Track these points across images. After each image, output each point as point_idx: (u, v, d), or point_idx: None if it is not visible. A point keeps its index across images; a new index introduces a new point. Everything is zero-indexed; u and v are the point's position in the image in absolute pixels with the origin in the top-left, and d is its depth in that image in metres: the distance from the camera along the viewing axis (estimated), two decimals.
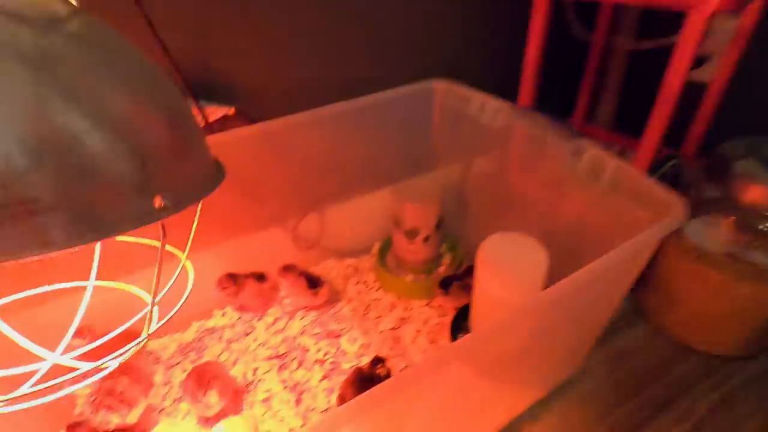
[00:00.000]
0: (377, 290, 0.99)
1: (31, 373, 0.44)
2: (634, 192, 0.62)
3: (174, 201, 0.32)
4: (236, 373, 0.82)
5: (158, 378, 0.83)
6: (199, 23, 1.01)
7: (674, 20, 0.89)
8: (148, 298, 0.50)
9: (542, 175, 0.81)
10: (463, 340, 0.41)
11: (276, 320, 0.91)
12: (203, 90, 0.96)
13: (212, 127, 0.86)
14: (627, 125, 1.23)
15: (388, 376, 0.73)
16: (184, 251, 0.50)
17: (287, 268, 0.91)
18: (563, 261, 0.69)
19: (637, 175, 0.62)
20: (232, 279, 0.89)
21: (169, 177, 0.33)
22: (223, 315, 0.94)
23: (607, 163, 0.65)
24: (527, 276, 0.64)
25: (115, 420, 0.76)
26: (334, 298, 0.96)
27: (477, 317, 0.77)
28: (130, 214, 0.30)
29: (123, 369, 0.79)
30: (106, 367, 0.41)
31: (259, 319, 0.92)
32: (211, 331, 0.91)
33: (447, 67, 1.08)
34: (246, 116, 0.92)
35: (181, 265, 0.49)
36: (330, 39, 1.15)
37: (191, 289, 0.49)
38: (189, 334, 0.91)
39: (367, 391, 0.36)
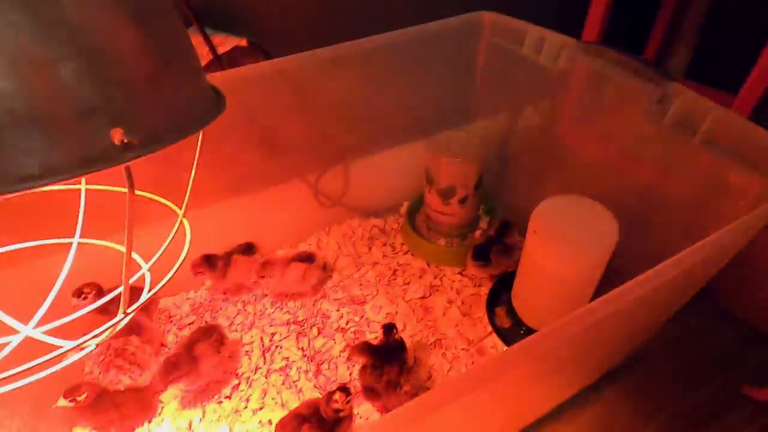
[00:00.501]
0: (405, 254, 0.90)
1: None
2: (743, 151, 0.49)
3: (143, 137, 0.22)
4: (252, 337, 0.76)
5: (170, 338, 0.77)
6: None
7: None
8: (140, 260, 0.42)
9: (610, 127, 0.68)
10: (532, 341, 0.32)
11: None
12: (211, 16, 0.83)
13: (221, 60, 0.75)
14: (703, 73, 1.05)
15: (402, 343, 0.64)
16: (182, 207, 0.41)
17: (264, 265, 0.77)
18: (628, 233, 0.57)
19: (751, 129, 0.48)
20: (208, 262, 0.76)
21: (136, 101, 0.23)
22: None
23: (706, 113, 0.52)
24: (592, 249, 0.53)
25: (126, 381, 0.71)
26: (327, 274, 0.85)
27: (524, 292, 0.68)
28: (70, 153, 0.20)
29: (132, 328, 0.74)
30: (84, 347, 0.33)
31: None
32: (223, 289, 0.84)
33: None
34: (260, 50, 0.80)
35: (177, 224, 0.41)
36: None
37: (190, 251, 0.41)
38: (203, 293, 0.85)
39: (417, 401, 0.28)
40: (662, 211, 0.61)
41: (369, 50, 0.76)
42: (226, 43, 0.77)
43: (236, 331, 0.77)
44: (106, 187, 0.43)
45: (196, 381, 0.65)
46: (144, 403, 0.66)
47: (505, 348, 0.71)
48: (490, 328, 0.74)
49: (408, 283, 0.83)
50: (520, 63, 0.77)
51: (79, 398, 0.57)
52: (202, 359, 0.65)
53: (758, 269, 0.70)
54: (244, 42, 0.79)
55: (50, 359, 0.31)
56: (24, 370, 0.30)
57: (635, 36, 1.08)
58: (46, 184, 0.19)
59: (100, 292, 0.67)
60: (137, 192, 0.45)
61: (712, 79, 0.96)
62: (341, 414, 0.54)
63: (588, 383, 0.67)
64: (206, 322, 0.79)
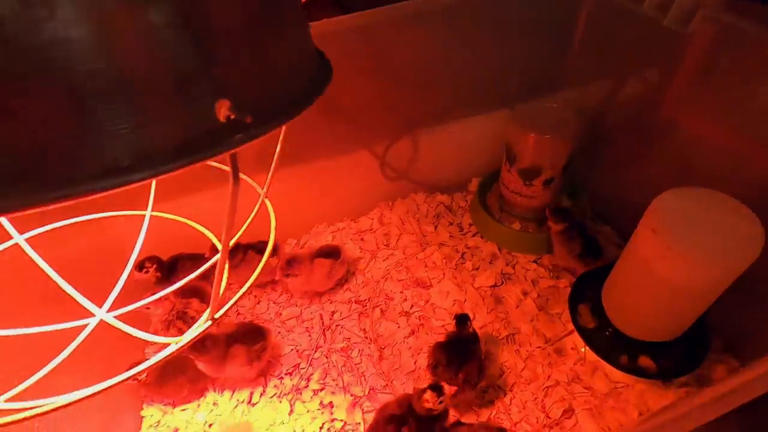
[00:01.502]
0: (473, 236, 0.83)
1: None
2: None
3: (253, 112, 0.16)
4: (312, 313, 0.73)
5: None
6: None
7: None
8: (217, 243, 0.38)
9: (748, 106, 0.56)
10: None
11: (356, 259, 0.80)
12: None
13: None
14: None
15: (475, 335, 0.60)
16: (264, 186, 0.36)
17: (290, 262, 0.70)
18: None
19: None
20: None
21: (242, 60, 0.17)
22: (300, 246, 0.84)
23: None
24: (729, 257, 0.44)
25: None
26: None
27: (621, 295, 0.60)
28: (167, 135, 0.15)
29: (195, 291, 0.72)
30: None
31: None
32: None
33: None
34: (336, 3, 0.73)
35: (258, 204, 0.36)
36: None
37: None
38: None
39: None
40: None
41: (454, 5, 0.67)
42: None
43: (295, 305, 0.74)
44: None
45: (217, 372, 0.62)
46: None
47: (585, 348, 0.65)
48: (570, 327, 0.67)
49: (477, 269, 0.77)
50: (635, 23, 0.65)
51: (140, 378, 0.56)
52: (232, 360, 0.61)
53: None
54: None
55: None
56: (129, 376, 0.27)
57: None
58: (137, 180, 0.14)
59: (161, 266, 0.65)
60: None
61: None
62: (435, 413, 0.50)
63: None
64: (257, 318, 0.74)
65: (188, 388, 0.63)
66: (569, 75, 0.78)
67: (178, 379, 0.62)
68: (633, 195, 0.74)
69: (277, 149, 0.33)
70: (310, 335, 0.70)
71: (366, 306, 0.73)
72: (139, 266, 0.63)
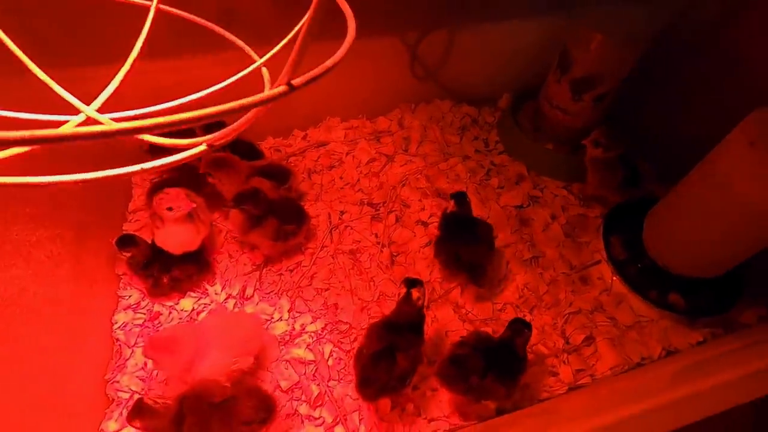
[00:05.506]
0: (500, 154, 0.75)
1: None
2: None
3: None
4: (317, 211, 0.65)
5: None
6: None
7: None
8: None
9: None
10: None
11: (371, 160, 0.71)
12: None
13: None
14: None
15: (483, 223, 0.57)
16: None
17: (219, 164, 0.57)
18: None
19: None
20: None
21: None
22: (305, 137, 0.74)
23: None
24: None
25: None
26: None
27: (676, 223, 0.54)
28: None
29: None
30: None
31: (346, 154, 0.72)
32: (285, 155, 0.72)
33: None
34: None
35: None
36: None
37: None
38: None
39: None
40: None
41: None
42: None
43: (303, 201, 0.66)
44: None
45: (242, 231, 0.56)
46: (200, 263, 0.58)
47: (614, 279, 0.60)
48: (598, 257, 0.62)
49: (502, 187, 0.70)
50: None
51: (126, 253, 0.49)
52: (261, 230, 0.56)
53: None
54: None
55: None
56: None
57: None
58: None
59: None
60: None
61: None
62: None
63: None
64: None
65: (169, 285, 0.55)
66: None
67: (161, 277, 0.54)
68: (688, 129, 0.67)
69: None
70: (314, 232, 0.63)
71: (379, 210, 0.66)
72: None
